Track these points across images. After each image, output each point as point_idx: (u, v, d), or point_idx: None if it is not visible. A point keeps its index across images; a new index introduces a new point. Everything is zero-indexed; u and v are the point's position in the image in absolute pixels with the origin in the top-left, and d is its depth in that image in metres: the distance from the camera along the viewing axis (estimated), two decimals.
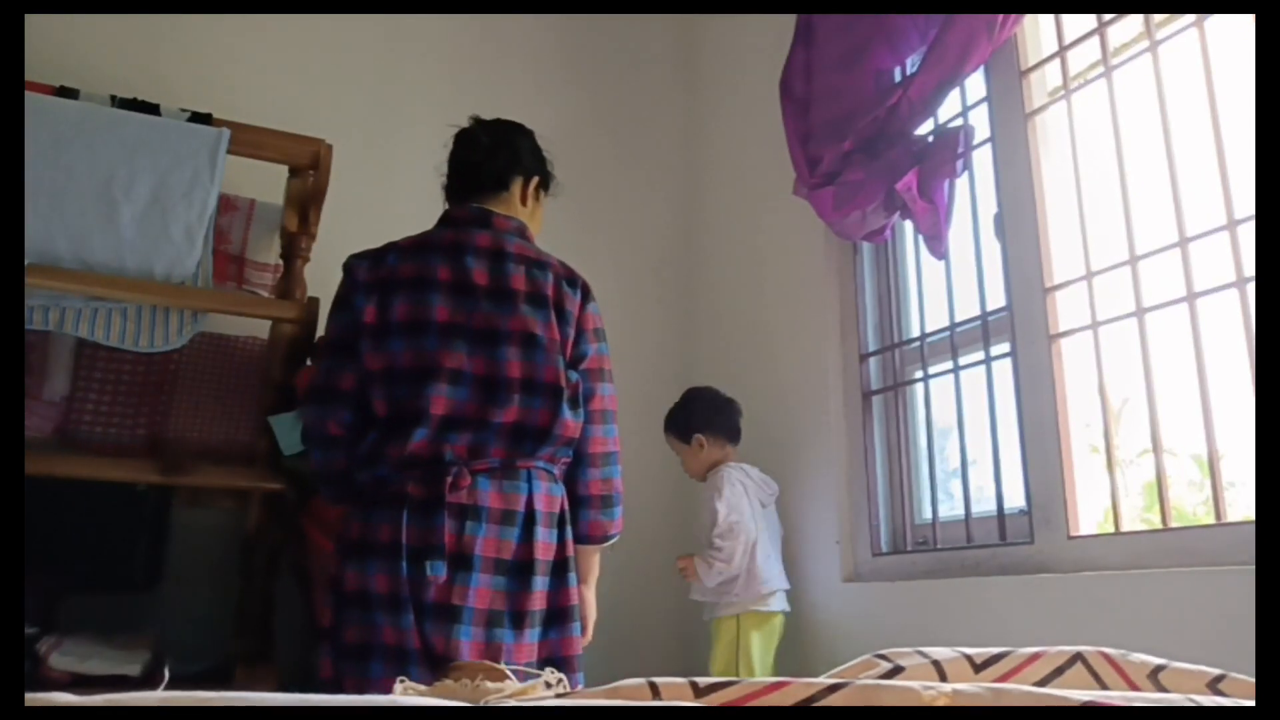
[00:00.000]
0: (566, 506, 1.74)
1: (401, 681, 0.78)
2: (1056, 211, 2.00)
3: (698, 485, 2.45)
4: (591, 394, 1.78)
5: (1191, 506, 1.93)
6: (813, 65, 2.42)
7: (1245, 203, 1.60)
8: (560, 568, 1.69)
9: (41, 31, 2.41)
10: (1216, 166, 1.65)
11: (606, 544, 1.82)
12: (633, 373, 2.77)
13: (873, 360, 2.46)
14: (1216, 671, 0.79)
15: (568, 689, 0.77)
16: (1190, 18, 1.73)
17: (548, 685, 0.79)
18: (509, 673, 0.79)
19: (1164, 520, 1.70)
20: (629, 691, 0.64)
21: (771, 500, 2.41)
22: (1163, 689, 0.79)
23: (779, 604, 2.30)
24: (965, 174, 2.18)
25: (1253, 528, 1.52)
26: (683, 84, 3.34)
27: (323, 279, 1.93)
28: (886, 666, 0.81)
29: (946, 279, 2.23)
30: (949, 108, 2.24)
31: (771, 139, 2.61)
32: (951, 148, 2.12)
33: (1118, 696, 0.66)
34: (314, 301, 2.06)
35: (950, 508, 2.24)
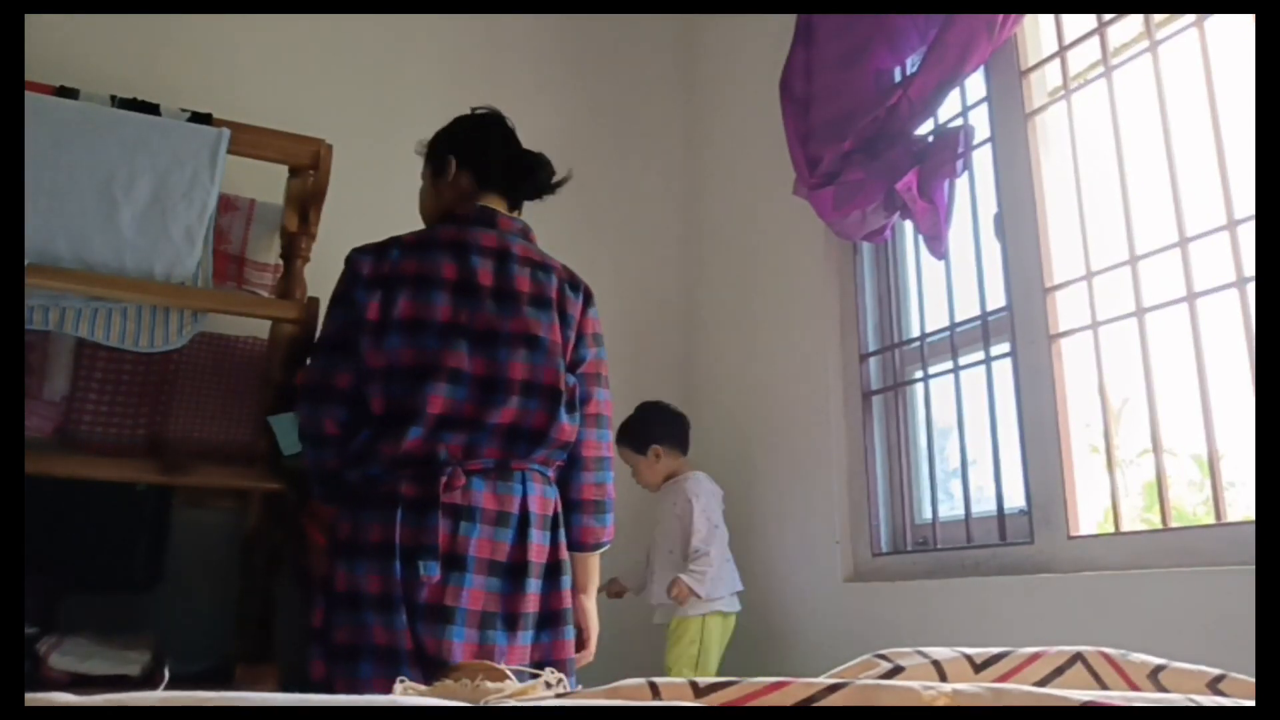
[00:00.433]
0: (560, 509, 1.74)
1: (401, 681, 0.78)
2: (1056, 211, 2.00)
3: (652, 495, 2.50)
4: (588, 398, 1.78)
5: (1191, 506, 1.93)
6: (813, 65, 2.42)
7: (1245, 203, 1.60)
8: (553, 570, 1.69)
9: (41, 31, 2.41)
10: (1216, 166, 1.65)
11: (598, 551, 1.82)
12: (633, 373, 2.77)
13: (873, 360, 2.46)
14: (1216, 671, 0.79)
15: (568, 689, 0.77)
16: (1190, 18, 1.73)
17: (548, 685, 0.79)
18: (509, 673, 0.79)
19: (1164, 520, 1.70)
20: (629, 691, 0.64)
21: (721, 505, 2.48)
22: (1163, 689, 0.79)
23: (735, 604, 2.39)
24: (965, 174, 2.18)
25: (1253, 528, 1.52)
26: (683, 84, 3.34)
27: (323, 279, 1.93)
28: (886, 667, 0.81)
29: (946, 279, 2.23)
30: (949, 108, 2.24)
31: (771, 139, 2.61)
32: (951, 148, 2.12)
33: (1118, 696, 0.66)
34: (314, 301, 2.06)
35: (950, 508, 2.24)
